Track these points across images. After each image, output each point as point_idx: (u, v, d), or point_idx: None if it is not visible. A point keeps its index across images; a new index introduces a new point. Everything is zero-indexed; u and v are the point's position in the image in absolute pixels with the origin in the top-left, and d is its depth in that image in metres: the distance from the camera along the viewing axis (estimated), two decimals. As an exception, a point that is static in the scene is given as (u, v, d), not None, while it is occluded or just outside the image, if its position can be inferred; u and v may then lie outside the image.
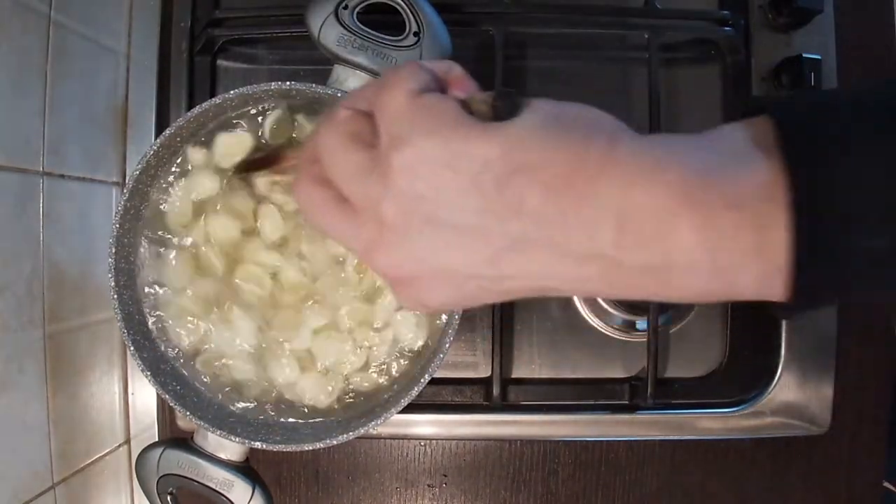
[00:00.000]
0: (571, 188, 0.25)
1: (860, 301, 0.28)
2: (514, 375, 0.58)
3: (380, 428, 0.42)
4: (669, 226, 0.24)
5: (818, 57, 0.54)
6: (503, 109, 0.27)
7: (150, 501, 0.45)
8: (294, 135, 0.45)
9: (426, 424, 0.55)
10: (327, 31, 0.44)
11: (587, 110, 0.27)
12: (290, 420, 0.46)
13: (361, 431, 0.42)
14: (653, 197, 0.24)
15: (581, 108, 0.27)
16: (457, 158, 0.25)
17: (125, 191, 0.42)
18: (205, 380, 0.46)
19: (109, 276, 0.42)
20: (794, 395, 0.56)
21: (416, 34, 0.44)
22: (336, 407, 0.46)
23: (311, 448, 0.42)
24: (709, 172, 0.24)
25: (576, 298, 0.58)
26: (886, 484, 0.59)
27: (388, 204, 0.26)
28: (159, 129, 0.55)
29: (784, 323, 0.55)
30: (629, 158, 0.25)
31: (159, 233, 0.45)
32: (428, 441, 0.58)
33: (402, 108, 0.27)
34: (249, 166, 0.44)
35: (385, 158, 0.26)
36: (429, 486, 0.59)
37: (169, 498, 0.44)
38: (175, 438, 0.45)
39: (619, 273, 0.25)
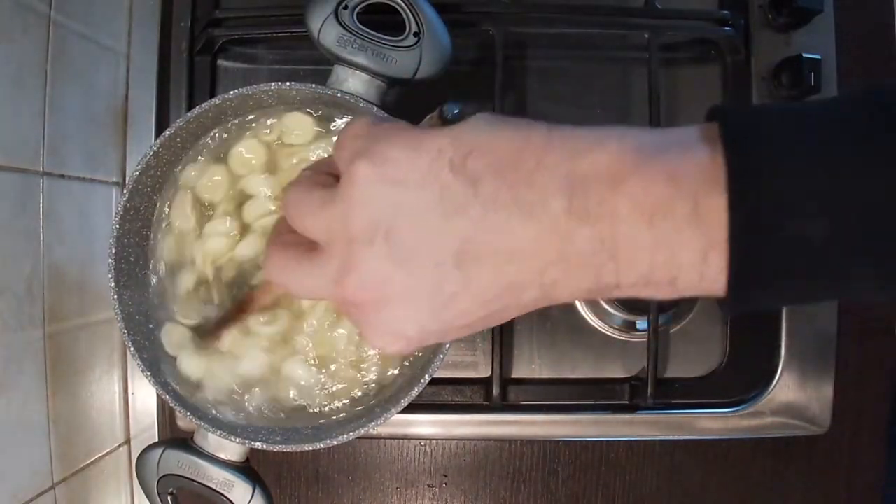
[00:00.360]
0: (521, 165, 0.26)
1: (806, 300, 0.28)
2: (514, 375, 0.58)
3: (380, 428, 0.42)
4: (612, 193, 0.25)
5: (818, 57, 0.54)
6: (450, 119, 0.29)
7: (150, 502, 0.45)
8: (250, 285, 0.45)
9: (426, 424, 0.55)
10: (327, 32, 0.44)
11: (523, 119, 0.29)
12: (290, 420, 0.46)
13: (361, 431, 0.42)
14: (597, 164, 0.26)
15: (516, 118, 0.29)
16: (412, 151, 0.27)
17: (125, 191, 0.42)
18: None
19: (109, 276, 0.42)
20: (794, 395, 0.56)
21: (416, 34, 0.44)
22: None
23: (311, 448, 0.42)
24: (652, 149, 0.26)
25: (576, 298, 0.58)
26: None
27: (354, 217, 0.27)
28: (159, 129, 0.55)
29: (784, 323, 0.55)
30: (571, 135, 0.27)
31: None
32: (428, 441, 0.58)
33: (359, 132, 0.29)
34: (216, 329, 0.44)
35: (346, 179, 0.28)
36: (429, 486, 0.59)
37: (169, 498, 0.44)
38: (175, 439, 0.45)
39: (574, 248, 0.26)
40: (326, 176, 0.30)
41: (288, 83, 0.42)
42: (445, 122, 0.29)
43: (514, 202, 0.26)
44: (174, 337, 0.45)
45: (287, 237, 0.31)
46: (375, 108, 0.42)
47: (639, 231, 0.25)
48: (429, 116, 0.31)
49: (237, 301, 0.44)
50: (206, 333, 0.44)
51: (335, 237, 0.28)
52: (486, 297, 0.28)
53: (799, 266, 0.25)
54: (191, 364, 0.44)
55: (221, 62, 0.56)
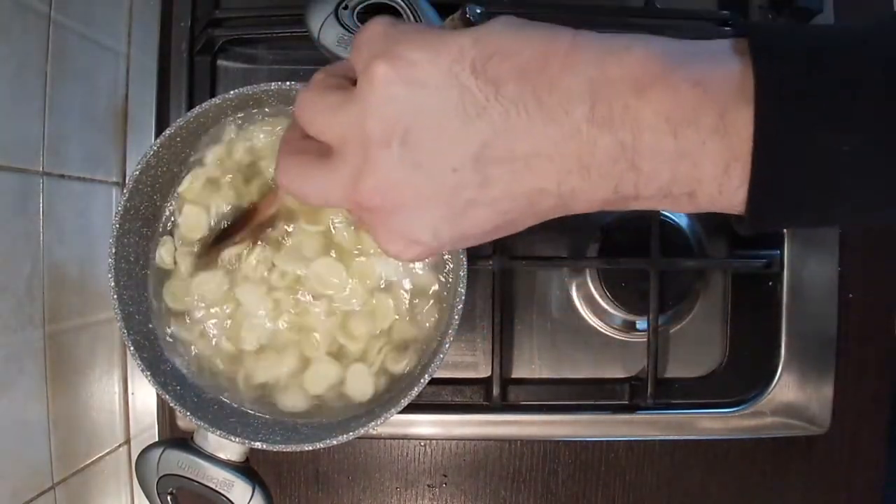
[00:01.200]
0: (545, 69, 0.26)
1: (822, 221, 0.28)
2: (514, 375, 0.58)
3: (380, 428, 0.42)
4: (637, 99, 0.25)
5: (818, 57, 0.54)
6: (473, 21, 0.28)
7: (150, 501, 0.45)
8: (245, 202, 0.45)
9: (426, 424, 0.55)
10: (327, 32, 0.44)
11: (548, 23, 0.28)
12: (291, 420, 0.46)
13: (361, 431, 0.42)
14: (622, 70, 0.25)
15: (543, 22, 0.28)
16: (433, 52, 0.26)
17: (125, 191, 0.42)
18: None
19: (109, 276, 0.42)
20: (794, 395, 0.56)
21: (416, 34, 0.44)
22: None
23: (311, 448, 0.42)
24: (679, 57, 0.25)
25: (575, 298, 0.58)
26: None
27: (371, 119, 0.26)
28: (159, 129, 0.54)
29: (784, 323, 0.55)
30: (597, 41, 0.26)
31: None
32: (428, 441, 0.58)
33: (377, 33, 0.28)
34: (213, 245, 0.44)
35: (363, 80, 0.27)
36: (429, 486, 0.59)
37: (169, 498, 0.44)
38: (175, 438, 0.45)
39: (594, 156, 0.25)
40: (342, 79, 0.29)
41: (288, 83, 0.42)
42: (468, 23, 0.28)
43: (537, 106, 0.25)
44: (168, 252, 0.45)
45: (299, 142, 0.30)
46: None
47: (662, 140, 0.25)
48: (450, 18, 0.29)
49: (239, 214, 0.43)
50: (203, 250, 0.44)
51: (350, 140, 0.27)
52: (503, 203, 0.27)
53: (822, 181, 0.24)
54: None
55: (221, 62, 0.56)
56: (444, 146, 0.26)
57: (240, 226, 0.43)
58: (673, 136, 0.24)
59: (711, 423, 0.56)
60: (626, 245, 0.55)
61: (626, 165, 0.25)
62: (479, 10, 0.29)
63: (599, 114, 0.25)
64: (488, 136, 0.26)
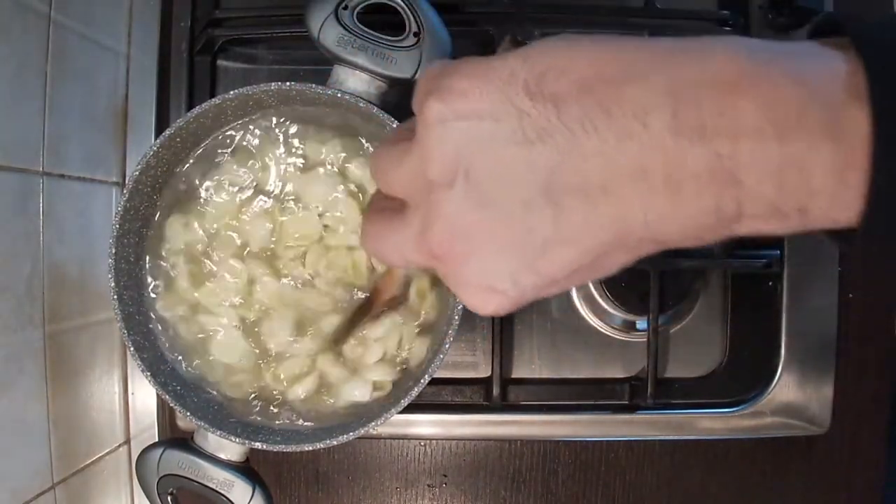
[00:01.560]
0: (610, 79, 0.22)
1: None
2: (514, 375, 0.57)
3: (380, 428, 0.42)
4: (730, 101, 0.21)
5: (818, 57, 0.54)
6: (524, 43, 0.26)
7: (150, 501, 0.45)
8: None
9: (426, 424, 0.55)
10: (327, 32, 0.44)
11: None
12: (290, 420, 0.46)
13: (361, 431, 0.42)
14: (706, 70, 0.22)
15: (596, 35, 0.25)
16: (482, 79, 0.24)
17: (125, 191, 0.42)
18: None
19: (109, 276, 0.42)
20: (794, 395, 0.56)
21: (416, 34, 0.44)
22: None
23: (311, 448, 0.42)
24: (767, 53, 0.22)
25: (576, 298, 0.58)
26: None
27: (430, 161, 0.24)
28: (159, 129, 0.55)
29: (784, 323, 0.55)
30: (670, 43, 0.23)
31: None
32: (428, 441, 0.58)
33: (430, 74, 0.26)
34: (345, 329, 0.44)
35: (419, 123, 0.25)
36: (429, 486, 0.59)
37: (169, 498, 0.44)
38: (175, 438, 0.45)
39: (685, 172, 0.22)
40: (409, 131, 0.27)
41: (288, 83, 0.42)
42: (518, 45, 0.25)
43: (606, 121, 0.22)
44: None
45: (379, 202, 0.29)
46: (375, 109, 0.42)
47: (766, 147, 0.21)
48: (501, 46, 0.27)
49: (360, 302, 0.44)
50: (338, 335, 0.44)
51: (416, 188, 0.25)
52: (585, 238, 0.24)
53: None
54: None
55: (221, 62, 0.56)
56: (510, 179, 0.24)
57: (366, 309, 0.43)
58: (778, 141, 0.21)
59: (711, 423, 0.56)
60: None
61: (724, 181, 0.22)
62: (530, 36, 0.28)
63: (686, 122, 0.22)
64: (555, 162, 0.23)
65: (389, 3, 0.44)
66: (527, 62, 0.23)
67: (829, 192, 0.22)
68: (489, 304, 0.26)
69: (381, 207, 0.29)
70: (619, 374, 0.58)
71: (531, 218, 0.24)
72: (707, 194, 0.22)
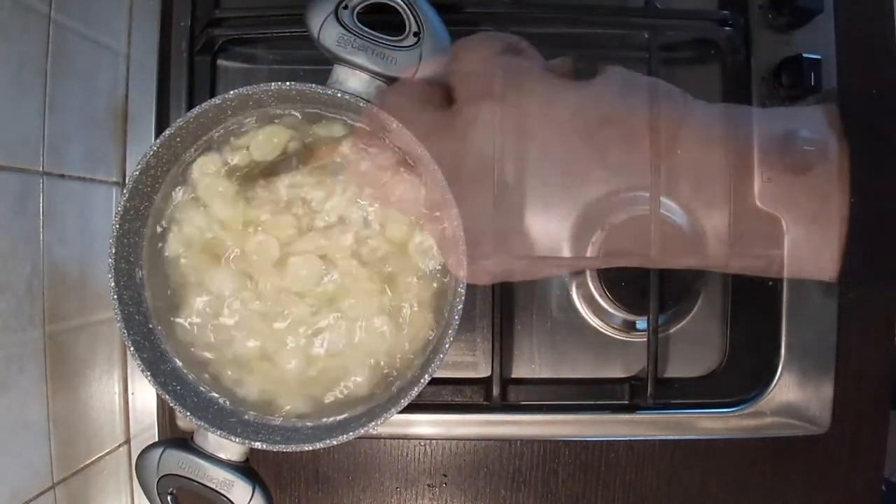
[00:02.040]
0: (652, 145, 0.25)
1: None
2: (514, 375, 0.58)
3: (380, 428, 0.42)
4: (744, 184, 0.25)
5: (818, 57, 0.54)
6: (584, 71, 0.27)
7: (150, 501, 0.45)
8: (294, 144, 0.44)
9: (426, 424, 0.55)
10: (327, 31, 0.44)
11: (658, 81, 0.28)
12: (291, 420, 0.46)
13: (361, 431, 0.42)
14: (727, 156, 0.25)
15: (651, 79, 0.28)
16: (547, 106, 0.25)
17: (125, 191, 0.42)
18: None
19: (109, 276, 0.42)
20: (794, 395, 0.56)
21: (416, 34, 0.44)
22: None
23: (311, 448, 0.42)
24: (780, 139, 0.25)
25: (575, 298, 0.58)
26: None
27: (467, 159, 0.26)
28: (159, 129, 0.55)
29: (784, 323, 0.55)
30: (704, 120, 0.26)
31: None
32: (428, 441, 0.58)
33: (479, 68, 0.27)
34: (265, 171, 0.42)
35: (467, 115, 0.26)
36: (429, 486, 0.59)
37: (169, 498, 0.44)
38: (175, 438, 0.45)
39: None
40: (433, 90, 0.28)
41: (288, 83, 0.42)
42: (578, 72, 0.27)
43: (639, 183, 0.25)
44: (210, 168, 0.42)
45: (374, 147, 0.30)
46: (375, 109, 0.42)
47: (799, 232, 0.25)
48: (561, 60, 0.28)
49: (300, 148, 0.42)
50: (249, 175, 0.42)
51: (443, 163, 0.27)
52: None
53: None
54: (225, 209, 0.42)
55: (221, 62, 0.56)
56: (541, 203, 0.26)
57: (299, 161, 0.42)
58: (808, 225, 0.25)
59: (711, 423, 0.56)
60: (626, 245, 0.55)
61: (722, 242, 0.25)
62: (589, 60, 0.29)
63: (702, 195, 0.25)
64: (590, 197, 0.26)
65: (389, 3, 0.44)
66: (592, 106, 0.26)
67: (812, 262, 0.27)
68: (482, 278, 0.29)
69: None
70: (619, 374, 0.58)
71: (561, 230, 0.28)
72: (702, 246, 0.27)
